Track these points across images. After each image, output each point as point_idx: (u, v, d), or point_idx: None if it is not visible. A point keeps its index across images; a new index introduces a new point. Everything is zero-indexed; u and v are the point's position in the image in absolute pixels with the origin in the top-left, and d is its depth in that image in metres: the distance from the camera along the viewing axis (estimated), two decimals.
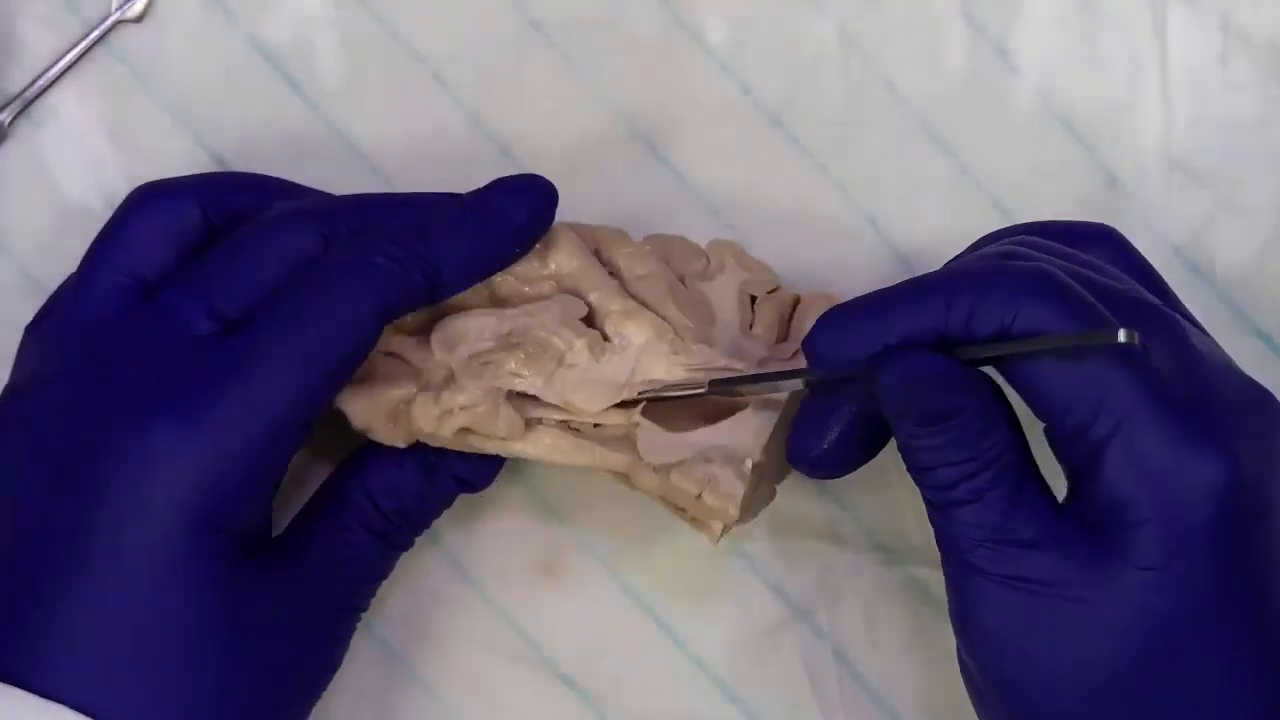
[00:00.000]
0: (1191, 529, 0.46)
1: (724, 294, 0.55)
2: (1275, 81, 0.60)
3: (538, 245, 0.53)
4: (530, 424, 0.52)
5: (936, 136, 0.59)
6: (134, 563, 0.47)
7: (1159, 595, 0.46)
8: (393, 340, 0.53)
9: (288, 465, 0.50)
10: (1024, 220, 0.59)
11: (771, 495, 0.55)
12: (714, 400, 0.53)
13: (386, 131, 0.59)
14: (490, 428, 0.51)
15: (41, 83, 0.58)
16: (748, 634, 0.58)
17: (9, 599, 0.48)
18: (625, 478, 0.52)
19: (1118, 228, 0.59)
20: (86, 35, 0.58)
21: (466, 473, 0.54)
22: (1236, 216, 0.59)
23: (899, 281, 0.50)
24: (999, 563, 0.47)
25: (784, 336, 0.55)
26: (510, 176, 0.53)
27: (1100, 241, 0.52)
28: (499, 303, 0.53)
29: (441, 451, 0.53)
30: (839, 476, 0.52)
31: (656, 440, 0.52)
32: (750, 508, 0.53)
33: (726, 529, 0.52)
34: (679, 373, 0.52)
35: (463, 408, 0.51)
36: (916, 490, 0.58)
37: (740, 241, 0.56)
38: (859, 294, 0.53)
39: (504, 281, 0.53)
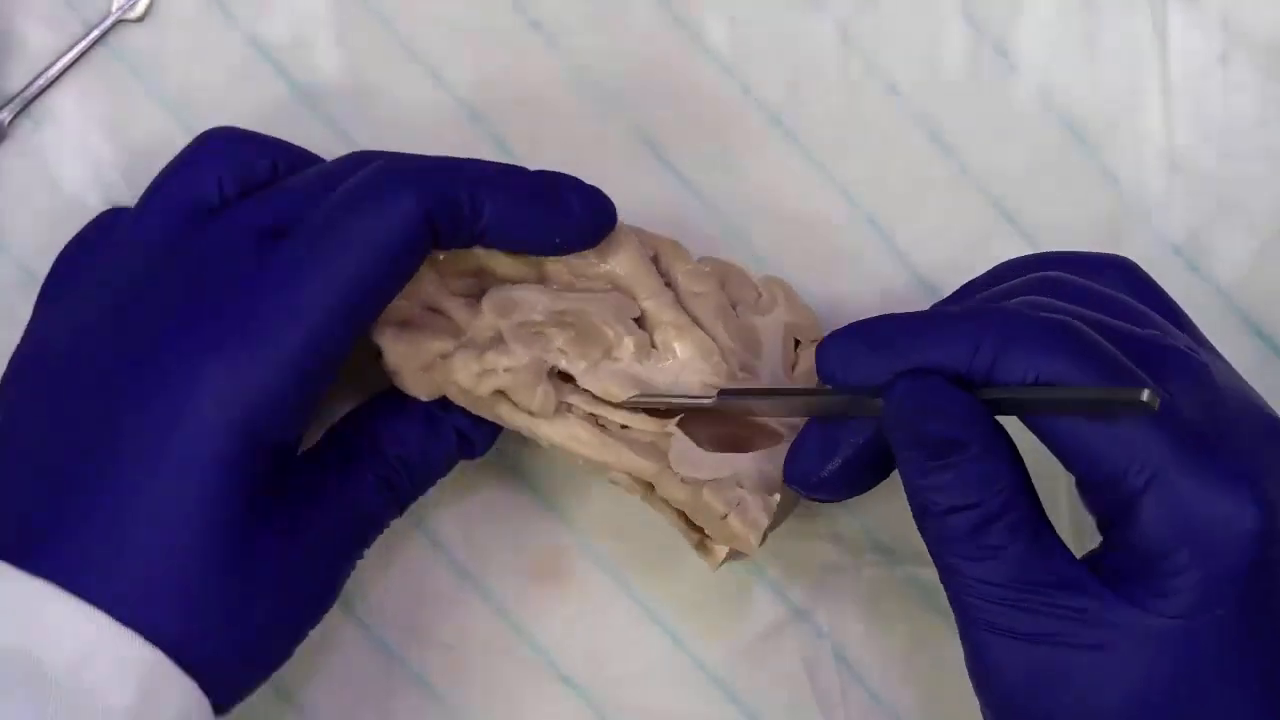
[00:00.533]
0: (1226, 575, 0.46)
1: (771, 331, 0.55)
2: (1275, 81, 0.60)
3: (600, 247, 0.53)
4: (560, 409, 0.52)
5: (937, 136, 0.59)
6: (173, 464, 0.48)
7: (1188, 643, 0.46)
8: (441, 298, 0.53)
9: (329, 382, 0.50)
10: (1025, 218, 0.59)
11: (776, 525, 0.55)
12: (737, 430, 0.53)
13: (386, 131, 0.59)
14: (525, 397, 0.52)
15: (41, 82, 0.58)
16: (748, 634, 0.58)
17: (45, 497, 0.49)
18: (646, 486, 0.52)
19: (1118, 227, 0.59)
20: (87, 34, 0.58)
21: (469, 429, 0.54)
22: (1236, 216, 0.59)
23: (919, 310, 0.50)
24: (1016, 620, 0.47)
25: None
26: (582, 181, 0.52)
27: (1115, 272, 0.52)
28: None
29: (447, 404, 0.53)
30: (837, 500, 0.52)
31: (689, 454, 0.52)
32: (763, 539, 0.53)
33: (731, 556, 0.52)
34: (709, 380, 0.52)
35: (506, 369, 0.51)
36: None
37: (686, 253, 0.56)
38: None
39: (556, 269, 0.53)
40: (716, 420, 0.53)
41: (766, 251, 0.58)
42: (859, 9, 0.59)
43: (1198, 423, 0.47)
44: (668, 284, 0.54)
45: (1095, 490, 0.47)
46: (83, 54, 0.58)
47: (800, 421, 0.51)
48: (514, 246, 0.52)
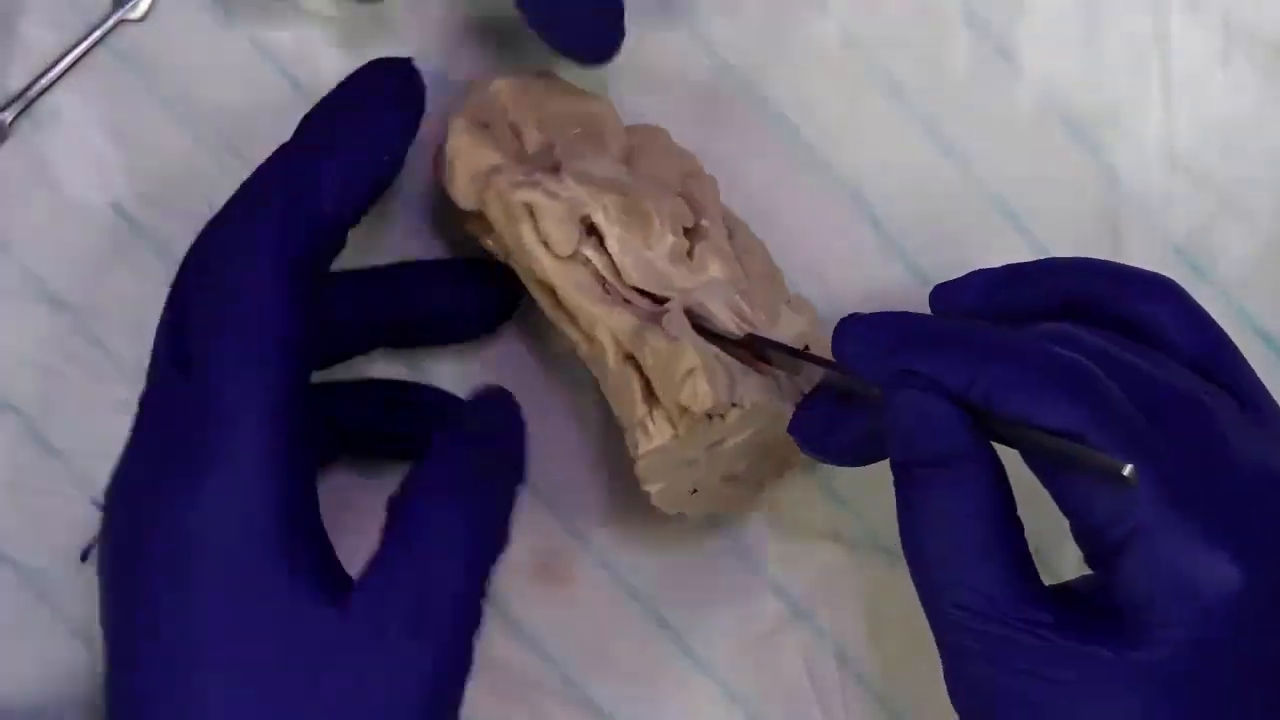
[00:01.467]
0: (1203, 634, 0.45)
1: (787, 328, 0.55)
2: (1275, 81, 0.60)
3: (692, 167, 0.55)
4: (576, 255, 0.53)
5: (938, 136, 0.59)
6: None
7: (1160, 694, 0.45)
8: (524, 123, 0.55)
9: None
10: (1025, 218, 0.59)
11: (773, 477, 0.55)
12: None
13: None
14: (550, 224, 0.52)
15: (43, 82, 0.58)
16: (748, 634, 0.58)
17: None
18: (620, 356, 0.52)
19: (1118, 227, 0.59)
20: (89, 35, 0.58)
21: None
22: (1237, 216, 0.59)
23: (943, 316, 0.50)
24: (990, 646, 0.46)
25: None
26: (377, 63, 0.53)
27: (1156, 293, 0.51)
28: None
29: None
30: (845, 465, 0.52)
31: (683, 329, 0.52)
32: (710, 501, 0.54)
33: (653, 457, 0.52)
34: (735, 308, 0.52)
35: (545, 190, 0.52)
36: None
37: (752, 234, 0.57)
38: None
39: (638, 159, 0.55)
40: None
41: (771, 240, 0.58)
42: (860, 9, 0.59)
43: (1188, 477, 0.46)
44: (730, 232, 0.55)
45: (1080, 535, 0.47)
46: (84, 54, 0.58)
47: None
48: (368, 195, 0.51)
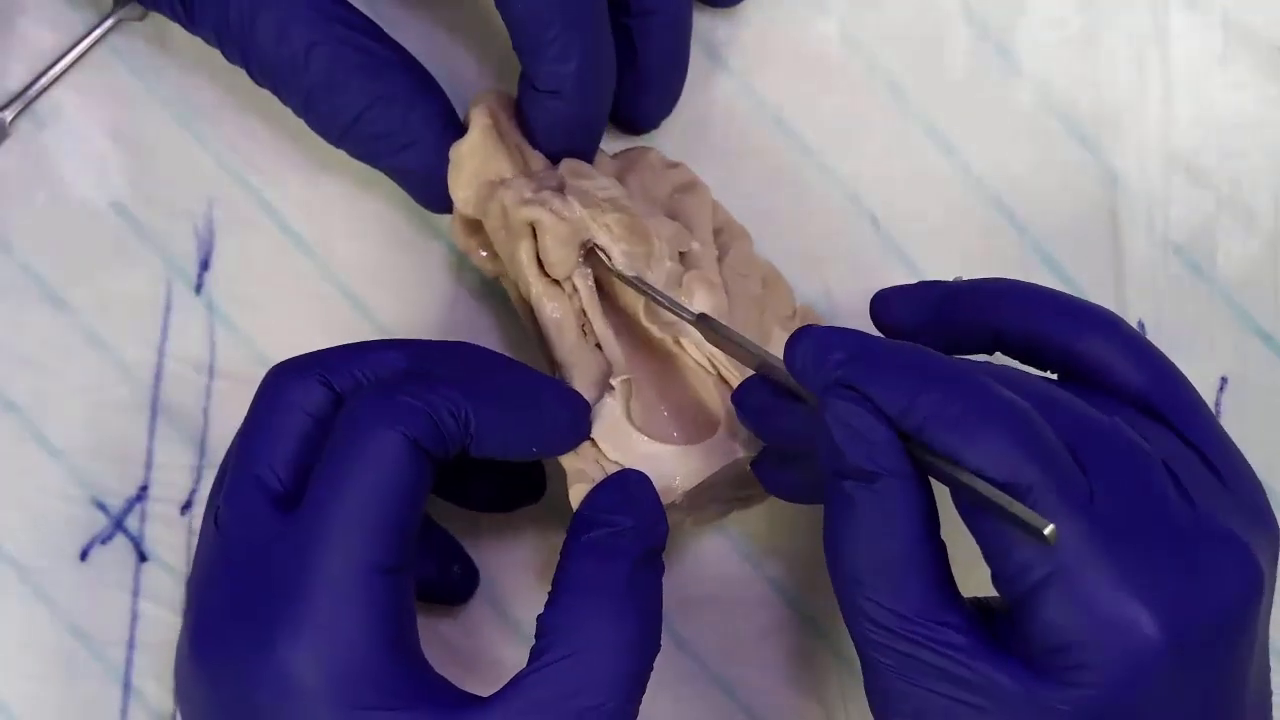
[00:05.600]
0: (1121, 679, 0.44)
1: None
2: (1275, 81, 0.60)
3: (682, 180, 0.55)
4: (565, 284, 0.53)
5: (938, 136, 0.59)
6: None
7: None
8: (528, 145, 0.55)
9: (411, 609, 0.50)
10: (1026, 218, 0.59)
11: (702, 518, 0.56)
12: (683, 399, 0.53)
13: None
14: (551, 244, 0.52)
15: (44, 81, 0.58)
16: (748, 634, 0.58)
17: None
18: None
19: (1118, 227, 0.59)
20: (89, 34, 0.58)
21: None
22: (1237, 216, 0.59)
23: (892, 339, 0.50)
24: (904, 664, 0.46)
25: None
26: (561, 384, 0.53)
27: (1097, 328, 0.50)
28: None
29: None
30: (790, 494, 0.53)
31: (612, 416, 0.52)
32: (706, 519, 0.55)
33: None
34: (710, 347, 0.53)
35: (551, 209, 0.52)
36: None
37: (749, 244, 0.57)
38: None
39: (636, 185, 0.55)
40: (674, 384, 0.53)
41: (767, 250, 0.58)
42: (860, 9, 0.59)
43: (1115, 529, 0.45)
44: (721, 255, 0.55)
45: (999, 577, 0.46)
46: (84, 54, 0.58)
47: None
48: (496, 454, 0.51)
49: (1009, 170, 0.59)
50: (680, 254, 0.54)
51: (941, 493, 0.47)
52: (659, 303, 0.52)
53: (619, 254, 0.52)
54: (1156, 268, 0.59)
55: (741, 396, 0.51)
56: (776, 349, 0.54)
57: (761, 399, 0.51)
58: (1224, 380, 0.59)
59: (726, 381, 0.53)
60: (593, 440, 0.52)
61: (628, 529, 0.49)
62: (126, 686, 0.57)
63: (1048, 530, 0.44)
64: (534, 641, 0.48)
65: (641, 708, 0.56)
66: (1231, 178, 0.59)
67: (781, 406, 0.50)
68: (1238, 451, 0.49)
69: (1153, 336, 0.56)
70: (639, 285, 0.52)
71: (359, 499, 0.48)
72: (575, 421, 0.52)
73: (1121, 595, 0.44)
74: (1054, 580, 0.45)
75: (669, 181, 0.56)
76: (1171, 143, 0.59)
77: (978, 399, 0.46)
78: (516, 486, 0.57)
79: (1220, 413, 0.59)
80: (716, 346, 0.52)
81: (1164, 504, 0.46)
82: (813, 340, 0.48)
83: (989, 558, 0.46)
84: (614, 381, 0.52)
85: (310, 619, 0.47)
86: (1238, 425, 0.51)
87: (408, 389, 0.49)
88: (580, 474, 0.51)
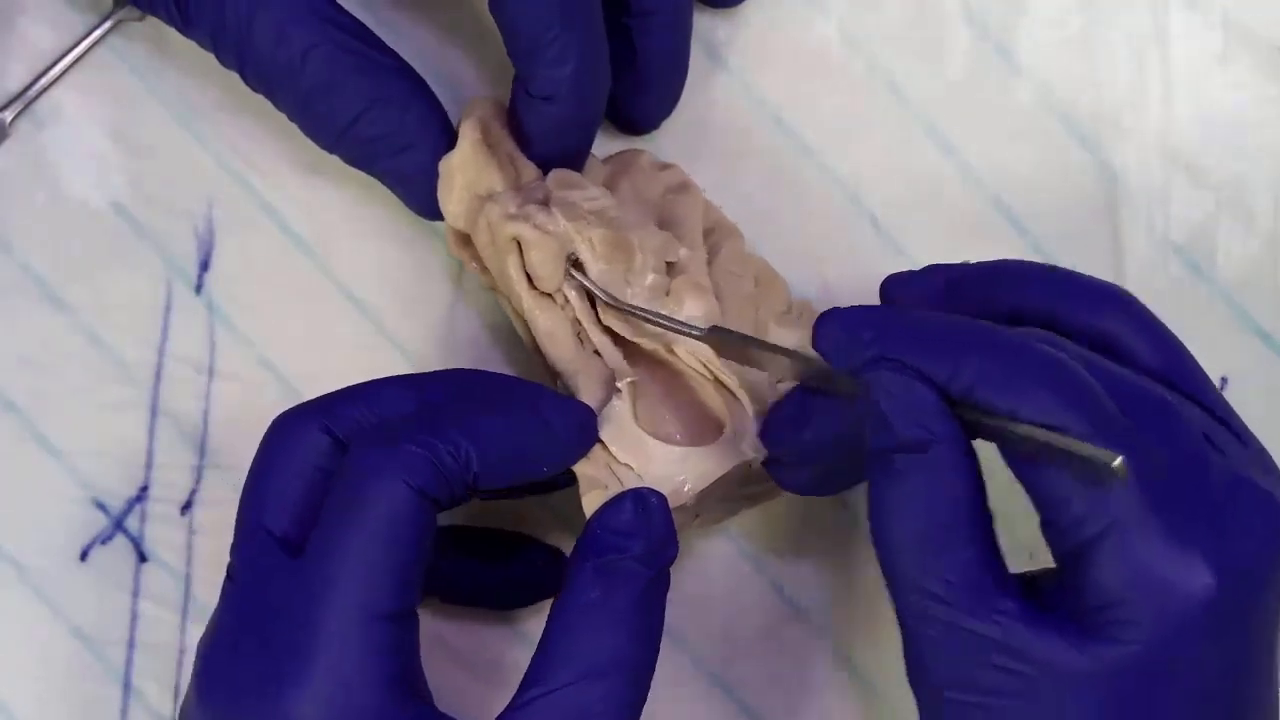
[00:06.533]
0: (1170, 635, 0.45)
1: (784, 344, 0.55)
2: (1275, 81, 0.60)
3: (674, 181, 0.55)
4: (557, 296, 0.53)
5: (938, 135, 0.59)
6: None
7: (1123, 695, 0.45)
8: (519, 155, 0.54)
9: (416, 631, 0.50)
10: (1026, 218, 0.59)
11: (708, 521, 0.56)
12: (689, 401, 0.53)
13: None
14: (537, 259, 0.52)
15: (44, 81, 0.58)
16: (748, 634, 0.58)
17: None
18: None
19: (1118, 227, 0.59)
20: (89, 34, 0.58)
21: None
22: (1237, 216, 0.59)
23: (926, 310, 0.50)
24: (948, 635, 0.46)
25: None
26: (558, 395, 0.52)
27: (1112, 306, 0.50)
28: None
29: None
30: (803, 484, 0.52)
31: (621, 417, 0.52)
32: (714, 519, 0.55)
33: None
34: (703, 352, 0.52)
35: (537, 225, 0.52)
36: None
37: (741, 241, 0.57)
38: (858, 292, 0.54)
39: (627, 189, 0.55)
40: (674, 388, 0.53)
41: (767, 250, 0.58)
42: (860, 9, 0.59)
43: (1168, 479, 0.46)
44: (712, 255, 0.55)
45: (1052, 528, 0.47)
46: (84, 54, 0.58)
47: (749, 423, 0.52)
48: (504, 483, 0.51)
49: (1009, 170, 0.59)
50: (669, 263, 0.54)
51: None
52: (663, 326, 0.52)
53: (596, 272, 0.52)
54: (1156, 268, 0.59)
55: (770, 427, 0.51)
56: (776, 342, 0.54)
57: (790, 415, 0.51)
58: (1224, 380, 0.59)
59: (724, 384, 0.53)
60: (603, 443, 0.52)
61: (638, 554, 0.49)
62: (126, 686, 0.57)
63: (1116, 462, 0.44)
64: (534, 654, 0.48)
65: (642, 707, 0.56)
66: (1231, 178, 0.59)
67: (811, 413, 0.50)
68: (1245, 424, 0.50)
69: None
70: (633, 311, 0.52)
71: (361, 549, 0.48)
72: (581, 430, 0.52)
73: (1173, 549, 0.45)
74: (1111, 531, 0.45)
75: (660, 183, 0.56)
76: (1171, 143, 0.59)
77: (1023, 356, 0.47)
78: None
79: None
80: (734, 360, 0.52)
81: (1201, 459, 0.47)
82: (840, 320, 0.49)
83: (1046, 510, 0.46)
84: (620, 384, 0.52)
85: (314, 667, 0.47)
86: None
87: (408, 435, 0.49)
88: (592, 480, 0.51)
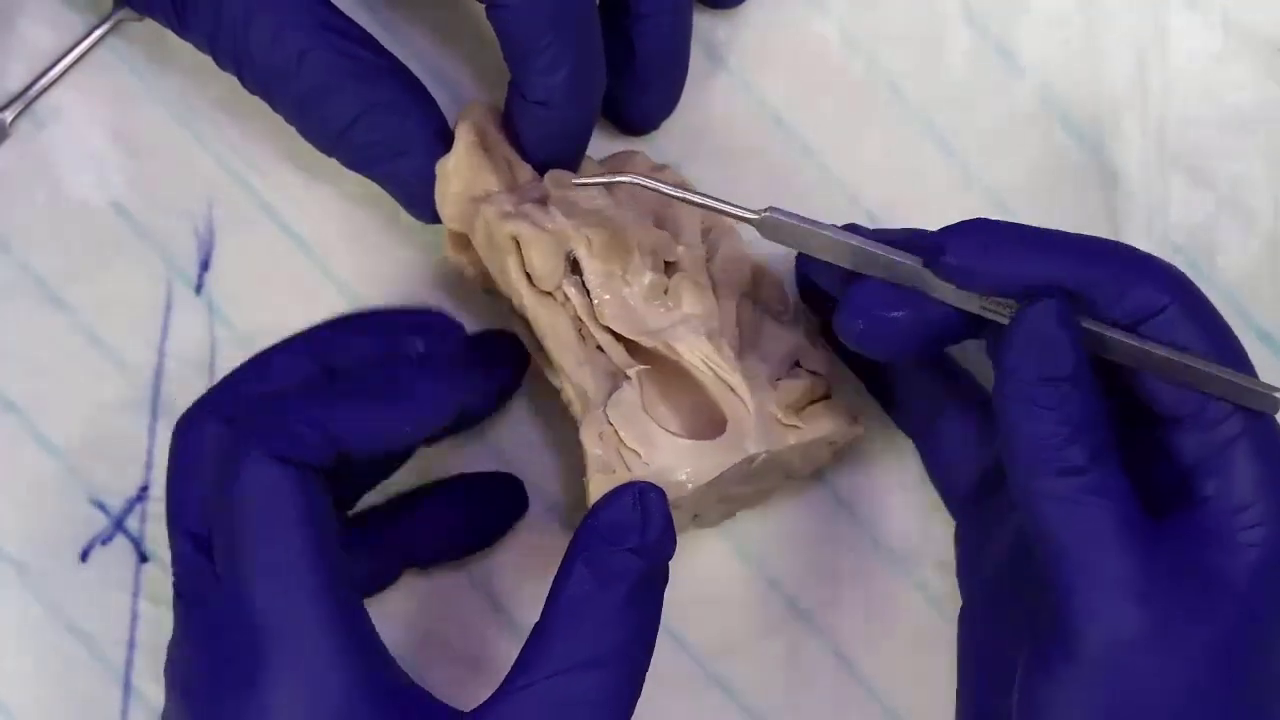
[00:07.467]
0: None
1: (776, 341, 0.55)
2: (1275, 81, 0.60)
3: (671, 182, 0.55)
4: (557, 293, 0.53)
5: (937, 136, 0.59)
6: None
7: (1249, 616, 0.47)
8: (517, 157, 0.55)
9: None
10: (1026, 218, 0.58)
11: (705, 522, 0.56)
12: (697, 399, 0.53)
13: None
14: (536, 256, 0.52)
15: (44, 81, 0.58)
16: (748, 634, 0.58)
17: None
18: (581, 402, 0.53)
19: (1118, 227, 0.59)
20: (89, 34, 0.58)
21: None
22: (1237, 216, 0.59)
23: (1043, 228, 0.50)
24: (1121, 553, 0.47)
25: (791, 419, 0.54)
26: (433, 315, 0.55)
27: (1161, 293, 0.50)
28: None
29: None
30: (871, 355, 0.52)
31: (629, 404, 0.52)
32: (712, 519, 0.55)
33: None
34: (704, 348, 0.52)
35: (533, 221, 0.52)
36: (919, 491, 0.58)
37: (739, 239, 0.57)
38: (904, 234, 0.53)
39: (624, 190, 0.55)
40: (676, 383, 0.53)
41: (766, 249, 0.58)
42: (860, 9, 0.59)
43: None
44: (710, 254, 0.55)
45: (1189, 431, 0.48)
46: (84, 54, 0.58)
47: (753, 455, 0.52)
48: (387, 447, 0.51)
49: (1009, 170, 0.59)
50: (666, 263, 0.54)
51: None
52: (714, 209, 0.51)
53: (591, 273, 0.52)
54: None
55: (854, 303, 0.51)
56: (770, 344, 0.54)
57: (882, 298, 0.50)
58: None
59: (725, 381, 0.53)
60: (612, 426, 0.52)
61: (633, 547, 0.49)
62: (126, 686, 0.57)
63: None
64: (525, 642, 0.48)
65: (641, 707, 0.56)
66: (1231, 178, 0.59)
67: (908, 302, 0.50)
68: None
69: None
70: (681, 197, 0.51)
71: (250, 533, 0.48)
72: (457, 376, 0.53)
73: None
74: (1247, 434, 0.48)
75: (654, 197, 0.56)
76: (1171, 143, 0.59)
77: (1161, 270, 0.50)
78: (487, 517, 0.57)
79: None
80: (789, 244, 0.51)
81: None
82: (985, 233, 0.50)
83: (1178, 420, 0.49)
84: (630, 372, 0.52)
85: (266, 666, 0.47)
86: None
87: (265, 407, 0.49)
88: (600, 462, 0.51)
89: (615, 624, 0.48)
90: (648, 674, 0.57)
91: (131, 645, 0.57)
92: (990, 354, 0.51)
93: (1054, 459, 0.47)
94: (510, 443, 0.58)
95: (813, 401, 0.55)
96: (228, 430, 0.50)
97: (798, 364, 0.55)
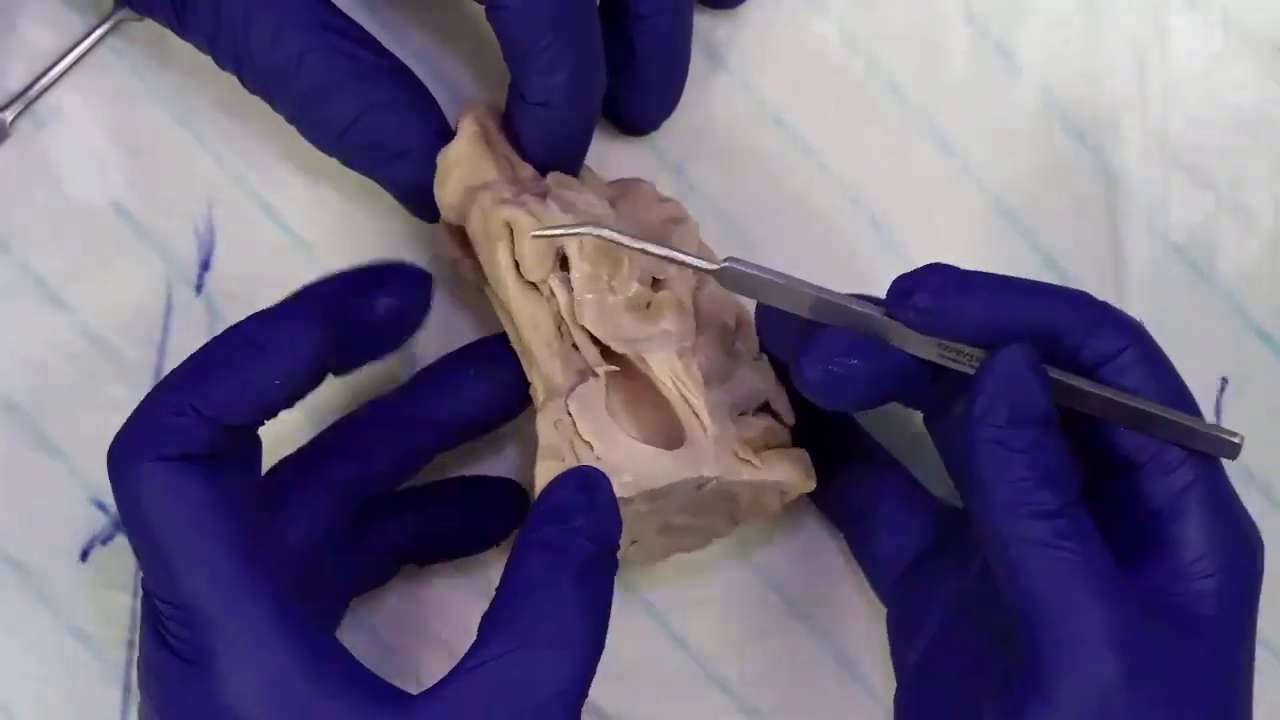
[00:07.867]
0: (1241, 588, 0.49)
1: (745, 384, 0.54)
2: (1275, 81, 0.60)
3: (673, 214, 0.55)
4: (542, 286, 0.53)
5: (937, 136, 0.59)
6: None
7: (1212, 653, 0.48)
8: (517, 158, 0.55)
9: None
10: (1026, 218, 0.59)
11: (671, 551, 0.56)
12: (656, 410, 0.53)
13: None
14: (525, 245, 0.52)
15: (44, 81, 0.58)
16: (748, 634, 0.58)
17: None
18: (544, 394, 0.53)
19: (1118, 227, 0.59)
20: (89, 34, 0.58)
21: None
22: (1237, 216, 0.59)
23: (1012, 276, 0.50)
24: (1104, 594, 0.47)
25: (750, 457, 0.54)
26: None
27: (1125, 336, 0.50)
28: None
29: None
30: (834, 404, 0.51)
31: (591, 400, 0.52)
32: (649, 553, 0.55)
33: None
34: (674, 365, 0.52)
35: (529, 211, 0.52)
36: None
37: (740, 239, 0.57)
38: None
39: (625, 206, 0.55)
40: (643, 394, 0.53)
41: (766, 251, 0.58)
42: (860, 9, 0.59)
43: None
44: (700, 284, 0.55)
45: (1147, 480, 0.49)
46: (85, 54, 0.58)
47: (719, 464, 0.52)
48: (258, 413, 0.50)
49: (1009, 170, 0.59)
50: (655, 279, 0.54)
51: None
52: (674, 261, 0.51)
53: (578, 274, 0.52)
54: (1156, 268, 0.59)
55: (816, 349, 0.50)
56: (741, 382, 0.54)
57: (842, 344, 0.50)
58: (1224, 380, 0.59)
59: (689, 401, 0.52)
60: (570, 416, 0.51)
61: (580, 526, 0.49)
62: (126, 687, 0.57)
63: (1238, 439, 0.49)
64: (479, 623, 0.48)
65: (641, 708, 0.56)
66: (1231, 178, 0.59)
67: (867, 350, 0.50)
68: None
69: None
70: (644, 249, 0.51)
71: (158, 539, 0.48)
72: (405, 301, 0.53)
73: (1237, 501, 0.49)
74: (1199, 481, 0.49)
75: (660, 213, 0.56)
76: (1171, 143, 0.59)
77: (1121, 318, 0.50)
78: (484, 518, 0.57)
79: (1220, 413, 0.59)
80: (747, 295, 0.51)
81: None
82: (954, 280, 0.49)
83: (1135, 467, 0.49)
84: (599, 370, 0.52)
85: (216, 661, 0.47)
86: (1238, 425, 0.51)
87: (139, 416, 0.49)
88: (552, 449, 0.51)
89: (565, 603, 0.48)
90: (649, 673, 0.57)
91: (131, 645, 0.57)
92: (930, 415, 0.52)
93: (1026, 502, 0.47)
94: (528, 457, 0.58)
95: (772, 446, 0.54)
96: (116, 444, 0.49)
97: (766, 408, 0.55)
